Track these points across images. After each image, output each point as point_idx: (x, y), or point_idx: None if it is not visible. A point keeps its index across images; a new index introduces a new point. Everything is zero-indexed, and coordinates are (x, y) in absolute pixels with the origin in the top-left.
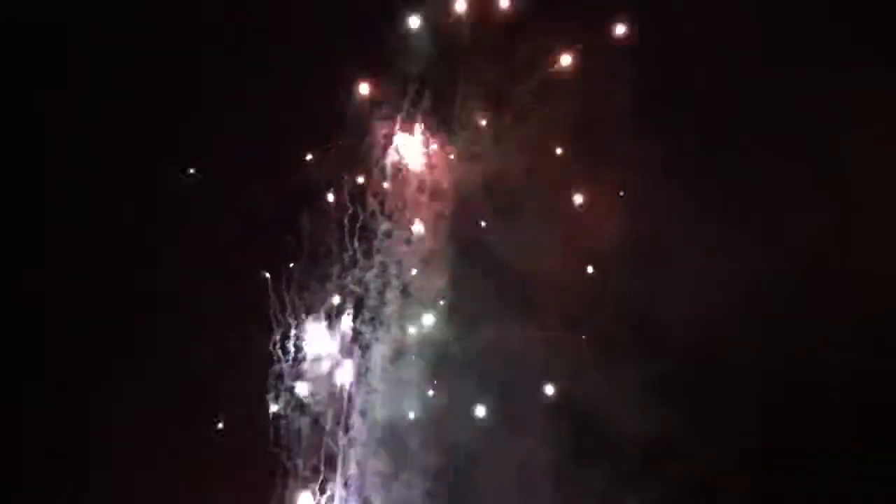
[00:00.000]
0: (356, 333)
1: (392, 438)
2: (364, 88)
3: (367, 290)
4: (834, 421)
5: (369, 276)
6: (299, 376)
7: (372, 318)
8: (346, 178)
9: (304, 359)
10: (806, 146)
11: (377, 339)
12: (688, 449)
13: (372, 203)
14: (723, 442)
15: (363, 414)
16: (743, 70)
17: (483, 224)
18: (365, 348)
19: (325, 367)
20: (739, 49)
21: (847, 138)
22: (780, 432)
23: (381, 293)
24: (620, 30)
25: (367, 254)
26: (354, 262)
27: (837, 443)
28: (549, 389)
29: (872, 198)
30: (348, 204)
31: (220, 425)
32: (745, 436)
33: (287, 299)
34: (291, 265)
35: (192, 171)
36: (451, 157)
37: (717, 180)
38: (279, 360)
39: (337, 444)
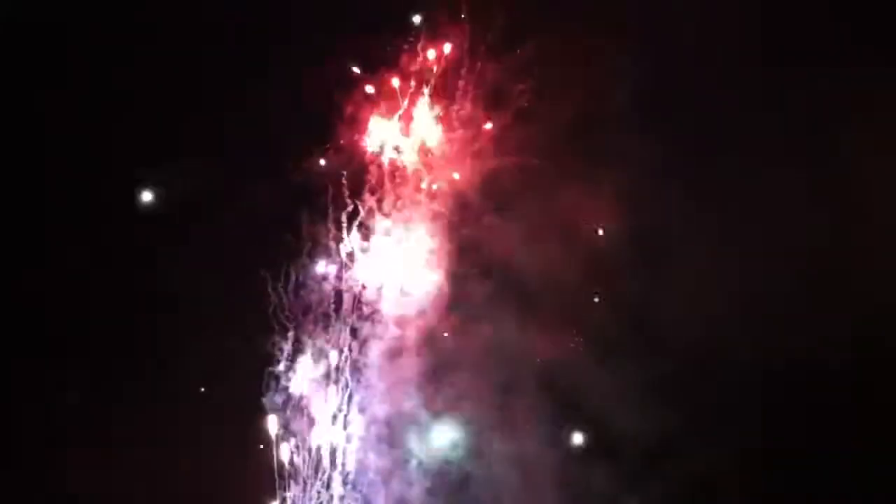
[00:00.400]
0: (355, 331)
1: (391, 435)
2: (364, 86)
3: (365, 287)
4: (834, 421)
5: (368, 273)
6: (298, 375)
7: (371, 315)
8: (344, 176)
9: (303, 357)
10: (806, 146)
11: (376, 336)
12: (688, 449)
13: (369, 200)
14: (723, 442)
15: (362, 411)
16: (743, 70)
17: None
18: (364, 345)
19: (323, 365)
20: (739, 49)
21: (847, 138)
22: (780, 432)
23: (380, 290)
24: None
25: (366, 252)
26: (353, 261)
27: (837, 443)
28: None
29: (872, 198)
30: (347, 201)
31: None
32: (745, 436)
33: (286, 298)
34: (290, 264)
35: (151, 192)
36: (450, 155)
37: (717, 180)
38: (278, 360)
39: (336, 441)
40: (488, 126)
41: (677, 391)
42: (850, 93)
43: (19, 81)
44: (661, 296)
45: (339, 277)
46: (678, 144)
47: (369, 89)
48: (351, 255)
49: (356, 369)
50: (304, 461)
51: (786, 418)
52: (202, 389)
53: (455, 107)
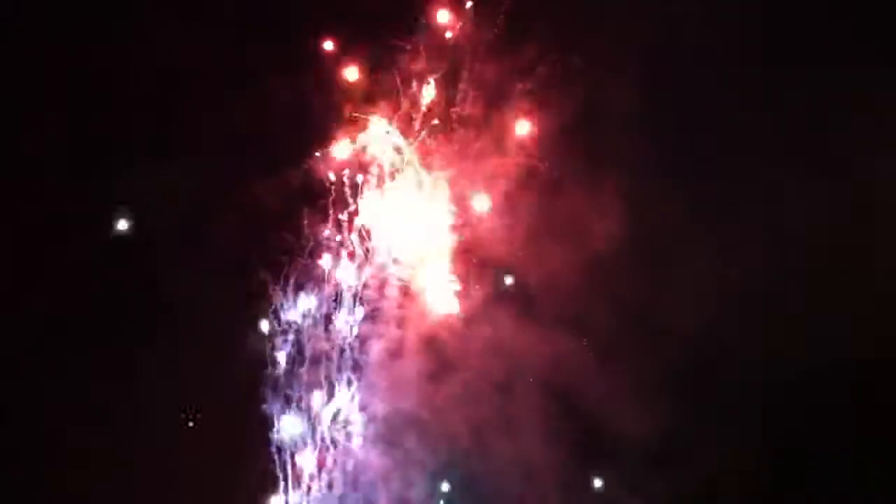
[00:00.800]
0: (353, 329)
1: (391, 435)
2: (355, 74)
3: (365, 286)
4: (834, 421)
5: (367, 272)
6: (298, 374)
7: (371, 314)
8: (345, 176)
9: (302, 356)
10: (806, 146)
11: (376, 336)
12: (688, 449)
13: (370, 200)
14: (723, 442)
15: (362, 410)
16: (743, 70)
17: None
18: (364, 344)
19: (323, 364)
20: (739, 49)
21: (847, 138)
22: (780, 432)
23: (381, 289)
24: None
25: (366, 251)
26: (353, 260)
27: (837, 443)
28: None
29: (872, 198)
30: (348, 201)
31: None
32: (745, 436)
33: (285, 297)
34: (290, 263)
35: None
36: (451, 155)
37: (717, 180)
38: (277, 359)
39: (336, 440)
40: (524, 129)
41: (677, 391)
42: (850, 93)
43: (18, 80)
44: (661, 296)
45: (339, 277)
46: (678, 144)
47: (352, 75)
48: (351, 255)
49: (357, 368)
50: (305, 461)
51: (786, 418)
52: (197, 415)
53: (455, 108)
